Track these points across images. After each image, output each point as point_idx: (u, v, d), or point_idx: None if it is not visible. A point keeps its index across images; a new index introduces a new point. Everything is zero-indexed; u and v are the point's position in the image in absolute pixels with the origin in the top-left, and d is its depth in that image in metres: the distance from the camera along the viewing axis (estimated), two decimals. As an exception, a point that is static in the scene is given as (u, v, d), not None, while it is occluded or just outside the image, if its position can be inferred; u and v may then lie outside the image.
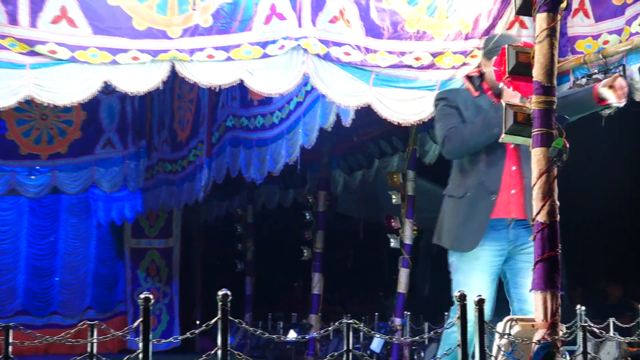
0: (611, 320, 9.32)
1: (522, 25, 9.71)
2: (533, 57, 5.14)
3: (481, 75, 5.81)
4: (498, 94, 5.63)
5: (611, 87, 5.45)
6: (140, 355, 4.62)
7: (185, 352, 15.26)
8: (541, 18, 5.10)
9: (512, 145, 5.57)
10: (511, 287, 5.70)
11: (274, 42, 9.43)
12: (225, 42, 9.32)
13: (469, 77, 5.88)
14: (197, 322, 16.67)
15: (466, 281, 5.53)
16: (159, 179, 15.86)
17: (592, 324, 8.07)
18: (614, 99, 5.50)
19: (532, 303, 5.22)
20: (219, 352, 4.64)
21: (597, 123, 9.65)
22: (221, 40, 9.30)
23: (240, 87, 10.64)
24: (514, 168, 5.56)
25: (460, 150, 5.60)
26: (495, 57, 5.37)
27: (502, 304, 5.97)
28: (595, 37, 9.55)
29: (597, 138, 10.95)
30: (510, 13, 9.70)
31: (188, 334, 5.14)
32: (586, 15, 9.58)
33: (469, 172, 5.63)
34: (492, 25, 9.82)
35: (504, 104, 5.22)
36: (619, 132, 11.32)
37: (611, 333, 9.03)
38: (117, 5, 8.83)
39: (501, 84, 5.44)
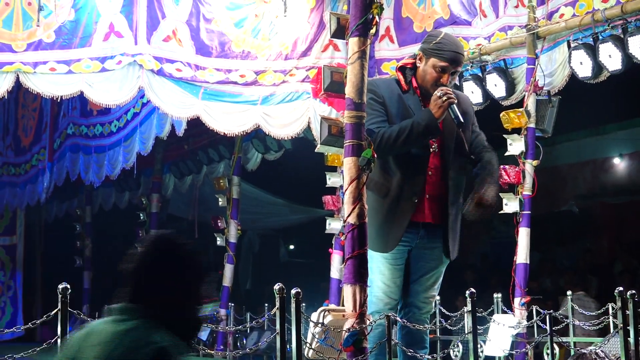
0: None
1: (336, 48, 9.86)
2: (346, 77, 5.16)
3: (414, 68, 5.15)
4: (426, 96, 5.00)
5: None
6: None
7: (28, 342, 14.71)
8: (353, 42, 5.13)
9: (434, 149, 5.06)
10: (405, 286, 5.17)
11: (112, 57, 9.29)
12: (66, 56, 9.13)
13: (401, 69, 5.22)
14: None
15: (380, 273, 5.09)
16: (3, 181, 15.37)
17: (394, 314, 8.20)
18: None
19: (418, 304, 5.18)
20: (59, 340, 4.47)
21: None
22: (63, 55, 9.11)
23: (81, 98, 10.39)
24: (430, 173, 5.03)
25: (386, 153, 4.96)
26: (432, 58, 5.00)
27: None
28: (399, 60, 9.75)
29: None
30: (325, 37, 9.83)
31: (30, 324, 4.96)
32: (391, 40, 9.80)
33: (392, 172, 5.04)
34: (309, 47, 9.95)
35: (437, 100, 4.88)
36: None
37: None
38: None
39: (431, 89, 4.98)
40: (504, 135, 8.10)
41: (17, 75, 8.99)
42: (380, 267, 5.08)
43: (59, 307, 4.49)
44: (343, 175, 5.13)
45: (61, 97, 9.58)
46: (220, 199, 12.62)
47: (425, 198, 5.03)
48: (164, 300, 2.55)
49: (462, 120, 4.93)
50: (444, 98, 4.86)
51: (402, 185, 4.99)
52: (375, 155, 4.89)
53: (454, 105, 4.92)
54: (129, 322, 2.52)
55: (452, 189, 5.12)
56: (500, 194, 7.97)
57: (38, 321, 4.90)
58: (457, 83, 9.16)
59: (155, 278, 2.58)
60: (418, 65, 5.12)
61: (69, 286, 4.55)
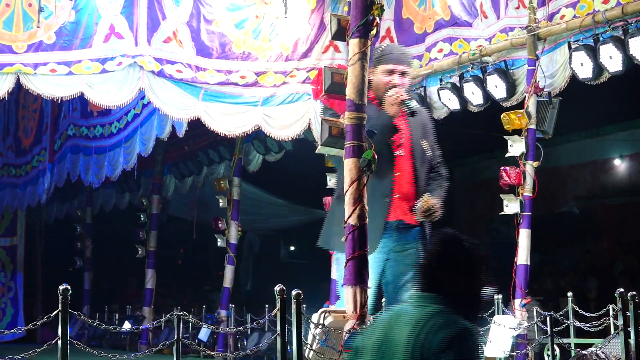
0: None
1: (336, 49, 9.88)
2: (346, 78, 5.17)
3: (368, 84, 5.29)
4: (382, 101, 5.15)
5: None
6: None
7: (28, 343, 14.72)
8: (354, 43, 5.14)
9: (399, 152, 5.18)
10: (388, 288, 5.19)
11: (112, 58, 9.30)
12: (67, 57, 9.13)
13: None
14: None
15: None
16: (3, 182, 15.37)
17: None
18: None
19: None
20: (59, 341, 4.47)
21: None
22: (63, 56, 9.11)
23: (81, 99, 10.37)
24: (398, 174, 5.13)
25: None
26: (379, 66, 5.21)
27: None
28: (399, 61, 9.77)
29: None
30: (326, 38, 9.85)
31: (31, 325, 4.96)
32: (391, 41, 9.81)
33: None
34: (310, 49, 9.96)
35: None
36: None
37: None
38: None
39: (385, 93, 5.12)
40: (505, 137, 8.10)
41: (18, 76, 8.99)
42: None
43: (60, 308, 4.49)
44: (343, 176, 5.13)
45: (61, 98, 9.57)
46: (220, 200, 12.62)
47: (397, 199, 5.12)
48: (456, 288, 2.99)
49: (415, 110, 5.10)
50: (395, 96, 5.03)
51: (373, 188, 5.08)
52: (335, 162, 5.10)
53: (407, 100, 5.05)
54: (430, 307, 2.94)
55: (421, 190, 5.18)
56: (501, 195, 8.02)
57: (39, 322, 4.90)
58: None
59: (447, 270, 3.01)
60: (371, 79, 5.25)
61: (69, 287, 4.55)
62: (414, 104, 5.12)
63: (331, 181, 10.22)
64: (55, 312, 4.51)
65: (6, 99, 9.37)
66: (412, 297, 3.07)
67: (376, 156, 4.95)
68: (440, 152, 5.49)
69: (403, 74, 5.22)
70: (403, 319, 2.98)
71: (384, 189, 5.11)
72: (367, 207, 5.02)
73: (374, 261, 5.09)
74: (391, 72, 5.17)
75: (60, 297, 4.49)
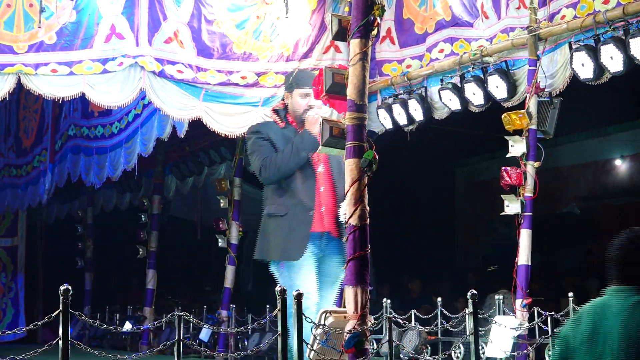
0: (412, 312, 9.51)
1: (337, 49, 9.90)
2: (347, 78, 5.18)
3: (285, 108, 5.90)
4: (301, 123, 5.76)
5: None
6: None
7: (29, 343, 14.72)
8: (354, 43, 5.15)
9: (320, 169, 5.74)
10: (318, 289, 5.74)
11: (113, 59, 9.31)
12: (68, 58, 9.14)
13: (275, 110, 6.00)
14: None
15: (298, 277, 5.62)
16: (4, 182, 15.37)
17: (396, 315, 8.21)
18: None
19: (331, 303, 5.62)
20: (60, 342, 4.48)
21: (405, 138, 9.91)
22: (64, 56, 9.12)
23: (82, 100, 10.38)
24: (322, 189, 5.67)
25: (275, 176, 5.70)
26: (295, 90, 5.73)
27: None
28: (400, 61, 9.79)
29: (404, 151, 11.19)
30: (326, 38, 9.87)
31: (32, 326, 4.97)
32: (392, 42, 9.82)
33: (287, 193, 5.72)
34: (310, 49, 9.99)
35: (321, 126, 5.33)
36: (422, 146, 11.61)
37: (412, 323, 9.21)
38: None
39: (304, 115, 5.70)
40: (506, 137, 8.10)
41: (19, 76, 8.99)
42: (299, 273, 5.62)
43: (61, 308, 4.49)
44: (345, 177, 5.14)
45: (62, 98, 9.56)
46: (221, 201, 12.61)
47: (323, 211, 5.68)
48: None
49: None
50: (316, 116, 5.64)
51: (298, 202, 5.64)
52: (265, 181, 5.78)
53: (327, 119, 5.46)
54: (632, 297, 3.30)
55: (341, 202, 5.59)
56: (501, 195, 8.02)
57: (39, 322, 4.90)
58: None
59: None
60: (287, 102, 5.86)
61: (70, 287, 4.55)
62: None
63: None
64: (56, 312, 4.52)
65: (7, 99, 9.36)
66: (612, 291, 3.41)
67: (376, 156, 4.98)
68: None
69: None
70: (610, 310, 3.33)
71: (308, 203, 5.65)
72: (367, 208, 5.04)
73: (311, 264, 5.62)
74: (307, 95, 5.74)
75: (61, 297, 4.49)
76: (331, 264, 5.77)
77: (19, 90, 9.66)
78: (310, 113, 5.73)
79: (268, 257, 5.82)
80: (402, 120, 9.65)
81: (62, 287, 4.53)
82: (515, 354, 7.73)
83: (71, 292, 4.56)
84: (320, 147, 5.36)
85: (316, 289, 5.66)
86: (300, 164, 5.68)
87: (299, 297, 5.05)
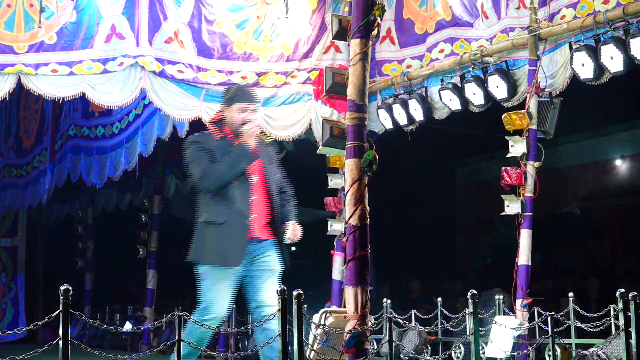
0: (413, 312, 9.51)
1: (337, 49, 9.90)
2: (347, 78, 5.19)
3: (222, 120, 6.13)
4: (237, 135, 5.99)
5: None
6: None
7: (29, 343, 14.72)
8: (355, 43, 5.16)
9: (254, 179, 5.99)
10: (250, 291, 5.99)
11: (113, 59, 9.31)
12: (68, 58, 9.14)
13: (213, 122, 6.22)
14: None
15: (216, 286, 5.87)
16: (4, 182, 15.37)
17: (396, 316, 8.20)
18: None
19: (261, 296, 5.84)
20: (60, 342, 4.47)
21: (405, 138, 9.91)
22: (64, 56, 9.12)
23: (82, 100, 10.37)
24: (254, 197, 5.95)
25: (214, 185, 5.91)
26: (234, 105, 5.97)
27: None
28: (400, 61, 9.79)
29: (404, 151, 11.19)
30: (327, 38, 9.87)
31: (32, 326, 4.96)
32: (392, 42, 9.82)
33: (225, 202, 5.94)
34: (311, 49, 9.99)
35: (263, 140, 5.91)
36: (422, 146, 11.61)
37: (413, 323, 9.21)
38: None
39: (240, 128, 5.93)
40: (506, 137, 8.10)
41: (19, 76, 8.99)
42: (219, 286, 5.86)
43: (61, 308, 4.48)
44: (345, 176, 5.14)
45: (63, 98, 9.56)
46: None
47: (254, 219, 5.94)
48: None
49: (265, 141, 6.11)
50: (253, 129, 5.92)
51: (237, 211, 5.87)
52: (204, 190, 5.96)
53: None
54: None
55: (274, 209, 6.04)
56: (502, 195, 8.02)
57: (40, 323, 4.89)
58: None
59: None
60: (225, 115, 6.06)
61: (70, 287, 4.55)
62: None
63: (332, 181, 10.24)
64: (56, 312, 4.51)
65: (7, 99, 9.36)
66: None
67: (377, 156, 4.98)
68: (284, 173, 6.37)
69: (253, 110, 6.04)
70: None
71: (246, 211, 5.90)
72: (367, 208, 5.04)
73: (232, 273, 5.87)
74: (244, 110, 5.97)
75: (62, 297, 4.48)
76: (264, 259, 6.02)
77: (19, 90, 9.66)
78: (247, 127, 5.95)
79: (205, 262, 5.99)
80: (402, 120, 9.65)
81: (62, 287, 4.53)
82: (515, 354, 7.73)
83: (71, 292, 4.55)
84: (320, 147, 5.37)
85: (227, 304, 5.96)
86: (237, 175, 5.92)
87: (299, 297, 5.05)
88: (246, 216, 5.92)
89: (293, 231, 6.01)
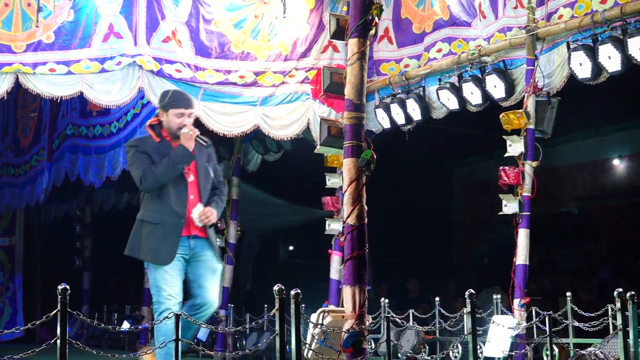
0: (410, 311, 9.51)
1: (335, 49, 9.90)
2: (345, 78, 5.19)
3: (160, 124, 6.40)
4: (175, 138, 6.29)
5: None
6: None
7: (27, 343, 14.72)
8: (352, 43, 5.16)
9: (190, 179, 6.31)
10: (194, 286, 6.29)
11: (111, 58, 9.33)
12: (66, 57, 9.17)
13: (151, 126, 6.47)
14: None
15: (163, 279, 6.14)
16: (2, 182, 15.35)
17: (394, 315, 8.21)
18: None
19: (208, 296, 6.19)
20: (58, 341, 4.47)
21: (403, 138, 9.91)
22: (62, 56, 9.15)
23: (80, 99, 10.39)
24: (191, 197, 6.28)
25: (154, 185, 6.23)
26: (170, 110, 6.31)
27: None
28: (398, 61, 9.79)
29: (402, 151, 11.18)
30: (324, 38, 9.88)
31: (30, 325, 4.96)
32: (390, 41, 9.82)
33: (160, 201, 6.25)
34: (309, 49, 10.00)
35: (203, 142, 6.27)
36: (420, 146, 11.61)
37: (411, 323, 9.21)
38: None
39: (178, 131, 6.26)
40: (504, 137, 8.11)
41: (17, 76, 9.01)
42: (163, 276, 6.13)
43: (59, 307, 4.49)
44: (342, 176, 5.15)
45: (61, 97, 9.58)
46: (219, 200, 12.57)
47: (190, 217, 6.24)
48: None
49: (209, 142, 6.47)
50: (191, 133, 6.28)
51: (171, 210, 6.19)
52: (145, 190, 6.32)
53: (198, 135, 6.33)
54: None
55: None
56: (500, 195, 8.02)
57: (37, 322, 4.89)
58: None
59: None
60: (162, 119, 6.39)
61: (68, 287, 4.55)
62: (203, 138, 6.38)
63: (330, 181, 10.26)
64: (54, 311, 4.51)
65: (5, 98, 9.38)
66: None
67: (374, 156, 4.99)
68: (222, 173, 6.84)
69: (190, 115, 6.39)
70: None
71: (182, 210, 6.22)
72: (365, 208, 5.04)
73: (176, 268, 6.16)
74: (182, 115, 6.31)
75: (59, 296, 4.49)
76: (205, 257, 6.33)
77: (17, 89, 9.67)
78: (184, 130, 6.27)
79: (140, 257, 6.28)
80: (400, 119, 9.66)
81: (60, 287, 4.53)
82: (513, 353, 7.74)
83: (69, 291, 4.55)
84: (318, 146, 5.37)
85: (178, 290, 6.19)
86: (175, 175, 6.22)
87: (296, 296, 5.06)
88: (181, 215, 6.22)
89: (201, 212, 6.23)
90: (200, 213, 6.20)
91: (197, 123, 10.02)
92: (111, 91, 9.52)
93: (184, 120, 6.35)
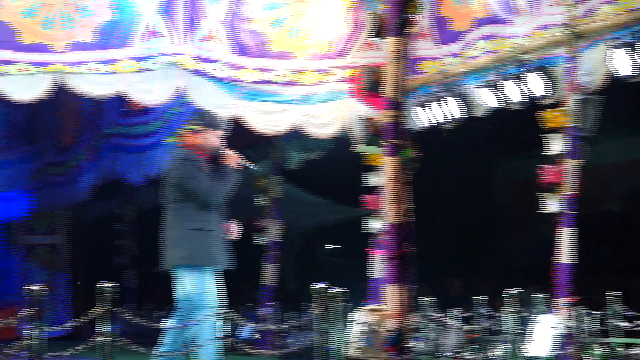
0: (453, 310, 9.51)
1: (374, 47, 9.87)
2: (385, 76, 5.21)
3: (198, 142, 6.82)
4: (215, 157, 6.78)
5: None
6: (33, 342, 4.50)
7: (73, 340, 14.87)
8: (392, 41, 5.19)
9: None
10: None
11: (151, 57, 9.42)
12: (105, 56, 9.29)
13: (191, 145, 6.86)
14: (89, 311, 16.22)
15: (202, 282, 6.65)
16: (46, 181, 15.53)
17: (436, 314, 8.22)
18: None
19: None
20: (104, 338, 4.56)
21: (441, 136, 9.91)
22: (102, 55, 9.25)
23: (120, 98, 10.49)
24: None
25: (221, 201, 6.78)
26: (212, 130, 6.83)
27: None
28: (437, 59, 9.78)
29: (442, 149, 11.17)
30: (363, 36, 9.88)
31: (77, 322, 5.05)
32: (429, 39, 9.80)
33: (208, 213, 6.72)
34: (348, 47, 10.01)
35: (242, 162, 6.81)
36: (460, 144, 11.58)
37: (453, 322, 9.21)
38: (3, 20, 8.70)
39: (217, 151, 6.80)
40: (545, 135, 8.08)
41: (58, 75, 9.12)
42: (206, 280, 6.67)
43: (104, 305, 4.57)
44: (383, 174, 5.18)
45: (101, 97, 9.68)
46: (260, 199, 12.64)
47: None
48: None
49: (257, 168, 7.38)
50: (230, 153, 6.78)
51: (218, 220, 6.79)
52: (213, 205, 6.77)
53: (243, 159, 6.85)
54: None
55: None
56: (541, 193, 7.99)
57: (82, 319, 4.98)
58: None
59: None
60: (204, 138, 6.80)
61: (114, 285, 4.63)
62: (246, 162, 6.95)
63: (370, 179, 10.25)
64: (100, 309, 4.59)
65: (47, 98, 9.49)
66: None
67: (416, 154, 5.02)
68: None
69: (223, 137, 6.88)
70: None
71: (221, 221, 6.84)
72: (409, 206, 5.07)
73: (211, 275, 6.77)
74: (220, 136, 6.84)
75: (105, 294, 4.57)
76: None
77: (58, 89, 9.79)
78: (228, 152, 6.79)
79: (194, 263, 6.66)
80: (439, 118, 9.66)
81: (106, 285, 4.62)
82: (556, 353, 7.71)
83: (115, 289, 4.64)
84: (358, 145, 5.42)
85: (216, 292, 6.74)
86: (232, 191, 6.76)
87: (342, 294, 5.09)
88: (223, 225, 6.84)
89: (234, 226, 6.96)
90: (234, 226, 6.94)
91: (237, 122, 10.14)
92: (151, 90, 9.61)
93: (221, 142, 6.85)
